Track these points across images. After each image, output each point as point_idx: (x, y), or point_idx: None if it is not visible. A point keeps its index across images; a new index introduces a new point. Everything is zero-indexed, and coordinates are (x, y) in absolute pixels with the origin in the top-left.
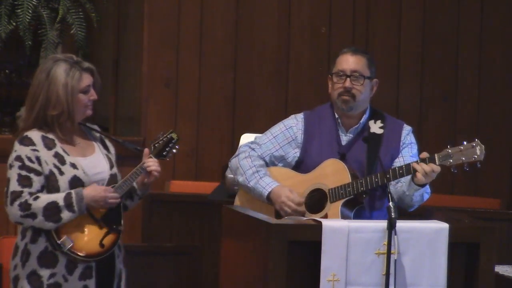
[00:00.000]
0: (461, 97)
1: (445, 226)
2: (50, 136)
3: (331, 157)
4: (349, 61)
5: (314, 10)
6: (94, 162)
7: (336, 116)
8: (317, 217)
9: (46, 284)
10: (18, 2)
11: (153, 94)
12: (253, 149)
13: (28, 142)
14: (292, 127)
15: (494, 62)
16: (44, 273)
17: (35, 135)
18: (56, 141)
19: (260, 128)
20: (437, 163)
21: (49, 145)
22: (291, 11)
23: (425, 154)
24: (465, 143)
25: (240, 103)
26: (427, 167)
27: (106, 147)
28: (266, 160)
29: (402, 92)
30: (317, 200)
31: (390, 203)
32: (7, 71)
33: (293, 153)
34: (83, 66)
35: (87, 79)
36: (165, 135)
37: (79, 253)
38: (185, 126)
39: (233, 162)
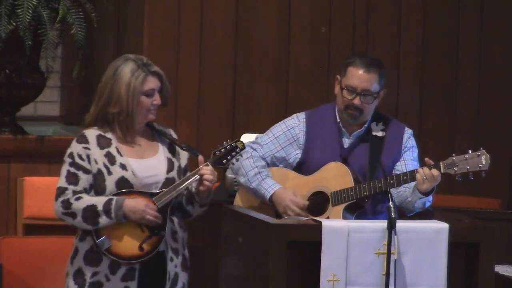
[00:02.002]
0: (461, 97)
1: (445, 226)
2: (108, 135)
3: (333, 159)
4: (361, 79)
5: (314, 10)
6: (150, 165)
7: (338, 119)
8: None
9: (88, 282)
10: (18, 2)
11: None
12: (254, 149)
13: (82, 140)
14: (294, 128)
15: (494, 62)
16: (88, 271)
17: (91, 133)
18: (113, 141)
19: (260, 128)
20: (442, 171)
21: (102, 144)
22: (291, 11)
23: (429, 161)
24: (470, 151)
25: (240, 103)
26: (428, 172)
27: (173, 151)
28: (267, 160)
29: (402, 92)
30: (318, 203)
31: (390, 203)
32: (7, 71)
33: (295, 154)
34: (151, 69)
35: (152, 83)
36: (229, 143)
37: (117, 255)
38: (185, 126)
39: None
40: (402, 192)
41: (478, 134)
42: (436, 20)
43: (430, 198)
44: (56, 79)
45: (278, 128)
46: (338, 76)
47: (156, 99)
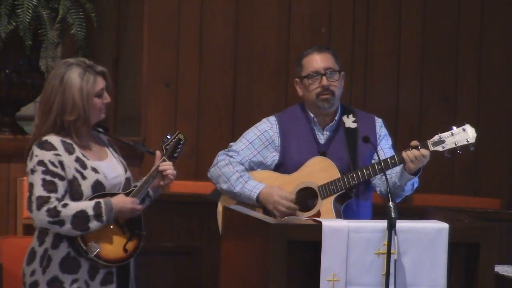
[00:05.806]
0: (461, 97)
1: (445, 226)
2: (68, 140)
3: (312, 156)
4: (318, 60)
5: (314, 10)
6: (111, 167)
7: (312, 115)
8: (309, 215)
9: None
10: (18, 2)
11: (153, 94)
12: (231, 157)
13: (49, 146)
14: (267, 131)
15: (494, 62)
16: (66, 279)
17: (54, 139)
18: (75, 146)
19: None
20: (430, 149)
21: (69, 149)
22: (291, 11)
23: (415, 142)
24: (454, 128)
25: (240, 103)
26: (417, 153)
27: (115, 150)
28: (245, 166)
29: (402, 92)
30: (306, 199)
31: (390, 203)
32: (7, 71)
33: (272, 157)
34: (97, 69)
35: (100, 83)
36: (174, 136)
37: (105, 259)
38: (185, 126)
39: (213, 171)
40: (389, 179)
41: (477, 134)
42: (436, 20)
43: (417, 179)
44: None
45: (251, 134)
46: (297, 79)
47: (106, 98)
